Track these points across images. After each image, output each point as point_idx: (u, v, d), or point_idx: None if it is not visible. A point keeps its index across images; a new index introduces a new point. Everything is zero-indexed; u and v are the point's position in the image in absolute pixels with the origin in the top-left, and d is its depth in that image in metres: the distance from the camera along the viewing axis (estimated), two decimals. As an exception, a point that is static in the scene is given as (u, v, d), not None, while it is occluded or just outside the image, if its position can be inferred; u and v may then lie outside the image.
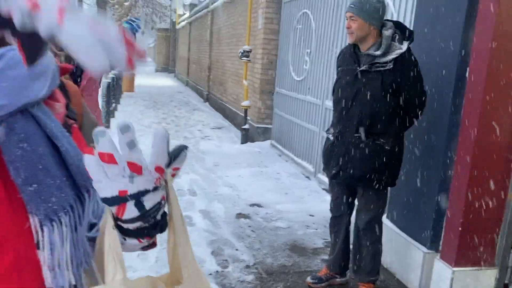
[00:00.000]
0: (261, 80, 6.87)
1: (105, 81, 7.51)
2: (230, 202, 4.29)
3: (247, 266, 3.06)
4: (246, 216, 3.96)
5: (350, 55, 2.51)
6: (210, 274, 2.89)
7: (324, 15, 5.10)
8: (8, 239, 0.67)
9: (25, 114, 0.68)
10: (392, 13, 3.55)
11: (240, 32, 8.72)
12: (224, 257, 3.16)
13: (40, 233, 0.67)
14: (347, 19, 2.47)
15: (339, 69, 2.62)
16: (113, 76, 8.99)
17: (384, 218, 3.22)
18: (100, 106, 7.17)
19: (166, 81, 20.44)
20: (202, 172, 5.28)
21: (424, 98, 2.46)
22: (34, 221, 0.66)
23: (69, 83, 0.88)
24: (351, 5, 2.45)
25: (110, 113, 7.56)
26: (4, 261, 0.67)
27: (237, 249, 3.30)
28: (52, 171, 0.68)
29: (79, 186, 0.71)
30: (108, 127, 7.11)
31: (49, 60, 0.73)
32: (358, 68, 2.46)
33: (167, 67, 27.55)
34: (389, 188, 2.68)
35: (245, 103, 7.01)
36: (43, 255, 0.67)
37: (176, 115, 9.97)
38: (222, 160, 5.89)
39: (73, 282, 0.70)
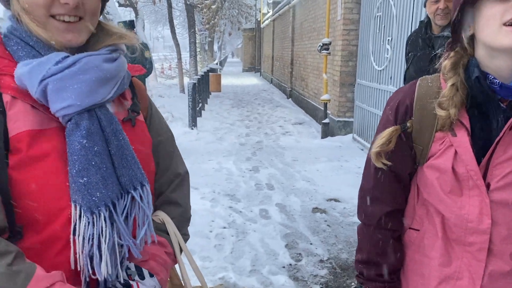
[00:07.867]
0: (341, 72, 6.70)
1: (191, 82, 7.92)
2: (307, 196, 4.26)
3: (321, 261, 3.01)
4: (322, 211, 3.90)
5: (422, 39, 2.32)
6: (283, 267, 2.90)
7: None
8: (51, 216, 0.74)
9: (92, 113, 0.77)
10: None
11: (320, 25, 8.58)
12: (298, 251, 3.15)
13: (77, 222, 0.73)
14: (437, 0, 2.23)
15: (409, 54, 2.44)
16: (199, 76, 9.44)
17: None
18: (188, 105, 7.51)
19: (251, 80, 20.90)
20: (280, 167, 5.31)
21: None
22: (76, 210, 0.73)
23: (136, 80, 0.98)
24: None
25: (197, 113, 7.94)
26: (41, 235, 0.74)
27: (311, 243, 3.27)
28: (102, 169, 0.76)
29: (125, 185, 0.79)
30: (195, 126, 7.50)
31: (120, 67, 0.83)
32: (433, 52, 2.28)
33: (253, 66, 28.18)
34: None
35: (325, 96, 6.88)
36: (79, 242, 0.73)
37: (259, 112, 10.15)
38: (301, 155, 5.86)
39: (110, 272, 0.76)
